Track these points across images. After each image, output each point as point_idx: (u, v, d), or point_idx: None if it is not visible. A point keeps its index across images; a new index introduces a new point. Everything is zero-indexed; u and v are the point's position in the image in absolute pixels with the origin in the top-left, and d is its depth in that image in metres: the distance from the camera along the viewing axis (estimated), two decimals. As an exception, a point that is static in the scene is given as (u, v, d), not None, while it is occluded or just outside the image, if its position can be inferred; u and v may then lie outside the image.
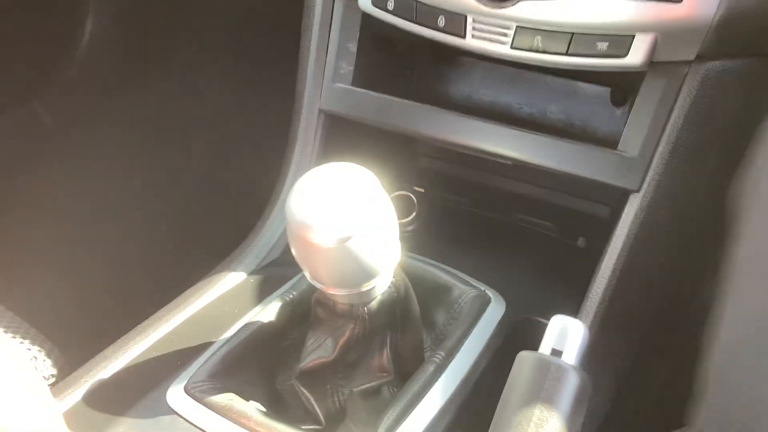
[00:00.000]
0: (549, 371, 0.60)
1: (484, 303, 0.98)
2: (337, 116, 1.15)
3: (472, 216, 1.32)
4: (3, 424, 0.56)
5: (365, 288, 0.78)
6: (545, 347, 0.65)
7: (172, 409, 0.82)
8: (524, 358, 0.64)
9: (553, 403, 0.59)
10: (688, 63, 0.93)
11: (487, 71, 1.28)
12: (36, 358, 1.04)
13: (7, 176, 1.72)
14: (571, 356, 0.63)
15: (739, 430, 0.63)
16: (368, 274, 0.76)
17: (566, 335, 0.64)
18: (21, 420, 0.58)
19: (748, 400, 0.63)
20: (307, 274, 0.79)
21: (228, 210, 1.69)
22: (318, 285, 0.79)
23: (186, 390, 0.83)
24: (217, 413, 0.80)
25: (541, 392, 0.59)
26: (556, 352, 0.64)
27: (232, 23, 1.94)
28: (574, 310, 1.03)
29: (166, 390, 0.84)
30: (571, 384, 0.60)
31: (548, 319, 1.00)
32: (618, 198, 1.01)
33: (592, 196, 1.26)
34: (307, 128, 1.16)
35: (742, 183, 0.79)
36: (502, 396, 0.63)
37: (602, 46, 0.92)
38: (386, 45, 1.18)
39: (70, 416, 0.83)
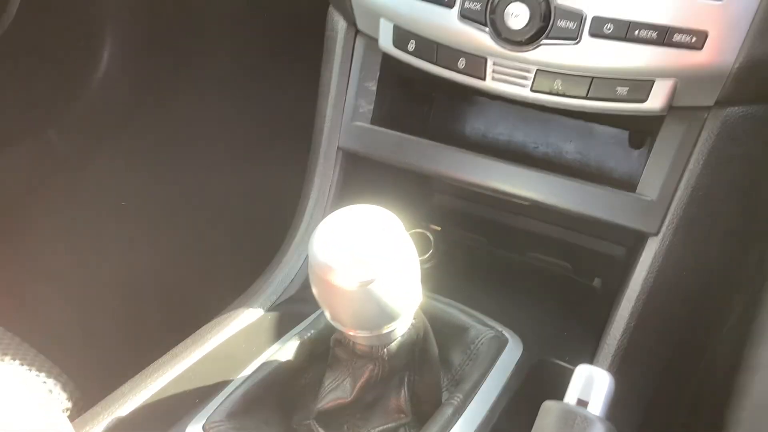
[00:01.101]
0: (575, 422, 0.60)
1: (501, 344, 0.98)
2: (355, 154, 1.16)
3: (487, 254, 1.33)
4: None
5: (386, 330, 0.78)
6: (570, 397, 0.64)
7: None
8: (550, 408, 0.63)
9: (579, 455, 0.58)
10: (707, 108, 0.93)
11: (503, 110, 1.29)
12: (51, 391, 1.05)
13: (21, 204, 1.73)
14: (597, 407, 0.63)
15: None
16: (389, 317, 0.76)
17: (592, 385, 0.64)
18: None
19: None
20: (327, 315, 0.79)
21: (244, 241, 1.69)
22: (338, 326, 0.79)
23: (204, 429, 0.82)
24: None
25: (568, 443, 0.59)
26: (582, 403, 0.63)
27: (248, 50, 1.96)
28: (590, 353, 1.02)
29: (185, 429, 0.84)
30: (597, 435, 0.60)
31: (566, 362, 1.01)
32: (634, 238, 1.01)
33: (608, 236, 1.26)
34: (326, 165, 1.17)
35: None
36: (527, 445, 0.63)
37: (622, 90, 0.93)
38: (405, 84, 1.19)
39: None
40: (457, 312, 1.02)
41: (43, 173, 1.80)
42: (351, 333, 0.79)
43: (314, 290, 0.75)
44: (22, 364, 1.06)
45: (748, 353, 0.74)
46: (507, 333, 1.00)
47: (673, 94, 0.92)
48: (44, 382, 1.05)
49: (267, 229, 1.28)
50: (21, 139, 1.74)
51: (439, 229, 1.25)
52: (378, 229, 0.72)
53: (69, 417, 0.98)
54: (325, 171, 1.17)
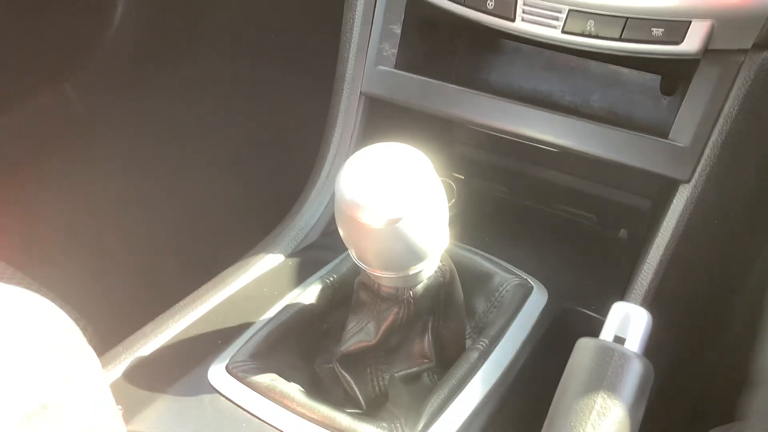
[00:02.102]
0: (612, 358, 0.59)
1: (526, 292, 0.97)
2: (379, 99, 1.14)
3: (511, 205, 1.31)
4: (52, 392, 0.55)
5: (412, 271, 0.76)
6: (607, 334, 0.63)
7: (214, 388, 0.81)
8: (585, 344, 0.62)
9: (616, 391, 0.57)
10: (744, 51, 0.90)
11: (529, 58, 1.26)
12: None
13: (37, 157, 1.73)
14: (634, 344, 0.61)
15: None
16: (417, 257, 0.75)
17: (629, 322, 0.63)
18: (69, 388, 0.58)
19: None
20: (353, 254, 0.77)
21: (265, 188, 1.68)
22: (364, 267, 0.78)
23: (228, 369, 0.82)
24: (260, 393, 0.79)
25: (605, 379, 0.58)
26: (619, 339, 0.62)
27: (262, 14, 1.94)
28: (616, 301, 1.01)
29: (208, 368, 0.83)
30: (634, 372, 0.58)
31: (590, 310, 0.99)
32: (660, 190, 0.99)
33: (633, 188, 1.23)
34: (348, 111, 1.15)
35: None
36: (561, 381, 0.62)
37: (657, 32, 0.90)
38: (430, 28, 1.17)
39: (110, 391, 0.83)
40: (480, 259, 1.00)
41: (60, 125, 1.79)
42: (377, 273, 0.78)
43: (340, 229, 0.74)
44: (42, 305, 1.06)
45: None
46: (531, 281, 0.99)
47: (710, 35, 0.89)
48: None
49: (288, 176, 1.27)
50: (38, 91, 1.74)
51: (462, 177, 1.23)
52: (407, 168, 0.70)
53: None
54: (348, 116, 1.15)
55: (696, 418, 1.03)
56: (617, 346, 0.61)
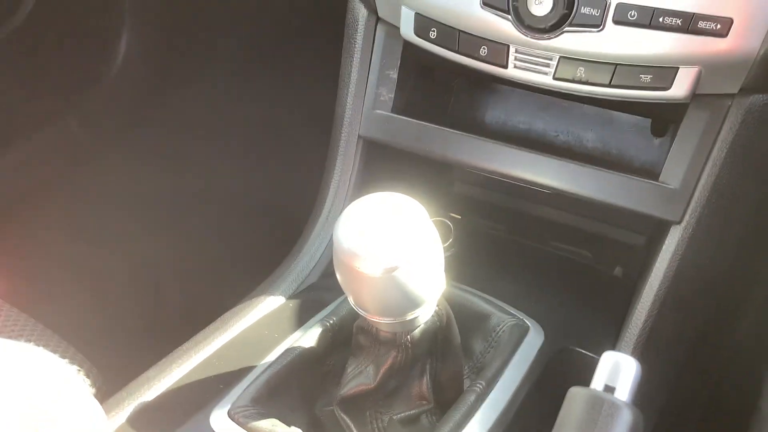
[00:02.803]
0: (602, 408, 0.60)
1: (522, 332, 0.98)
2: (376, 142, 1.16)
3: (507, 243, 1.32)
4: (41, 411, 0.57)
5: (410, 317, 0.78)
6: (597, 383, 0.64)
7: None
8: (576, 393, 0.63)
9: (606, 441, 0.59)
10: (731, 96, 0.93)
11: (524, 99, 1.28)
12: (76, 377, 1.05)
13: (42, 192, 1.74)
14: (624, 393, 0.63)
15: None
16: (413, 303, 0.77)
17: (618, 371, 0.64)
18: (58, 407, 0.59)
19: None
20: (351, 301, 0.79)
21: (265, 231, 1.70)
22: (362, 312, 0.79)
23: (230, 414, 0.83)
24: None
25: (595, 429, 0.59)
26: (609, 389, 0.63)
27: (264, 41, 1.96)
28: (611, 341, 1.02)
29: (210, 414, 0.84)
30: (624, 421, 0.60)
31: (587, 350, 1.01)
32: (655, 227, 1.01)
33: (629, 225, 1.25)
34: (346, 153, 1.17)
35: None
36: (553, 430, 0.63)
37: (646, 78, 0.93)
38: (426, 72, 1.19)
39: (115, 438, 0.84)
40: (477, 300, 1.02)
41: (63, 162, 1.81)
42: (375, 319, 0.79)
43: (338, 276, 0.76)
44: (46, 351, 1.07)
45: None
46: (528, 321, 1.00)
47: (697, 81, 0.91)
48: (68, 368, 1.06)
49: (287, 219, 1.28)
50: (42, 128, 1.76)
51: (459, 217, 1.25)
52: (403, 217, 0.72)
53: (93, 402, 1.00)
54: (346, 159, 1.17)
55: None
56: (607, 395, 0.62)
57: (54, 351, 1.09)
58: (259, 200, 1.87)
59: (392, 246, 0.70)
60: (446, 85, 1.30)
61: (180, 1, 1.87)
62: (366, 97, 1.15)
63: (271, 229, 1.40)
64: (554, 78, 0.98)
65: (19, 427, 0.55)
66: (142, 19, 1.85)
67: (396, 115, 1.14)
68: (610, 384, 0.64)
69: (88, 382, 1.09)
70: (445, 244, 1.21)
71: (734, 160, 0.94)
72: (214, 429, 0.83)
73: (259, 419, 0.82)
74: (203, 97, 2.02)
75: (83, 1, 1.71)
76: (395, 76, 1.14)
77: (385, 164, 1.19)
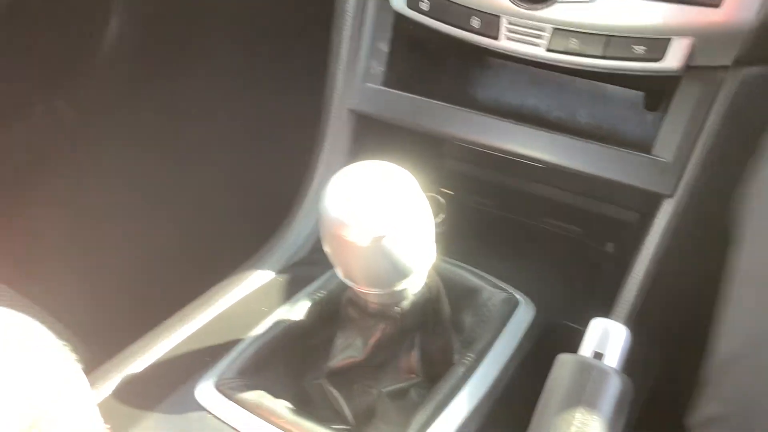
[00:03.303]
0: (591, 374, 0.60)
1: (512, 306, 0.98)
2: (367, 116, 1.15)
3: (499, 219, 1.32)
4: (41, 411, 0.56)
5: (399, 288, 0.77)
6: (586, 350, 0.64)
7: (201, 406, 0.82)
8: (565, 360, 0.63)
9: (595, 407, 0.58)
10: (725, 68, 0.92)
11: (516, 74, 1.27)
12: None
13: (29, 173, 1.73)
14: (613, 359, 0.62)
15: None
16: (402, 274, 0.76)
17: (608, 338, 0.64)
18: (58, 407, 0.58)
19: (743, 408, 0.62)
20: (339, 272, 0.78)
21: (254, 207, 1.68)
22: (351, 284, 0.79)
23: (216, 386, 0.83)
24: (248, 410, 0.80)
25: (583, 395, 0.59)
26: (598, 355, 0.63)
27: (260, 20, 1.95)
28: (603, 315, 1.01)
29: (195, 386, 0.84)
30: (613, 388, 0.59)
31: (576, 323, 1.00)
32: (647, 203, 1.00)
33: (621, 201, 1.24)
34: (337, 127, 1.16)
35: (746, 191, 0.78)
36: (541, 397, 0.62)
37: (639, 49, 0.91)
38: (417, 46, 1.18)
39: (100, 409, 0.83)
40: (468, 274, 1.01)
41: (51, 143, 1.80)
42: (363, 290, 0.79)
43: (326, 247, 0.75)
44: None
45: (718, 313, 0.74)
46: (518, 295, 1.00)
47: (690, 53, 0.90)
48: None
49: (278, 193, 1.27)
50: (30, 109, 1.74)
51: (451, 193, 1.24)
52: (391, 185, 0.71)
53: (81, 377, 0.99)
54: (336, 133, 1.16)
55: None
56: (595, 362, 0.61)
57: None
58: (250, 178, 1.86)
59: (380, 214, 0.69)
60: (439, 60, 1.28)
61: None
62: (357, 70, 1.14)
63: (262, 206, 1.39)
64: (547, 50, 0.96)
65: (1, 392, 0.54)
66: (132, 1, 1.83)
67: (387, 89, 1.13)
68: (599, 351, 0.63)
69: (74, 357, 1.08)
70: (437, 221, 1.21)
71: (728, 132, 0.93)
72: (200, 401, 0.82)
73: (246, 391, 0.81)
74: (193, 79, 2.00)
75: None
76: (386, 48, 1.13)
77: (376, 138, 1.18)
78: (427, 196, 1.21)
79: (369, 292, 0.78)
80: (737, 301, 0.69)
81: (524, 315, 0.97)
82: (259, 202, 1.56)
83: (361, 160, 0.74)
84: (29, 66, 1.70)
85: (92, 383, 0.87)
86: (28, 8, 1.61)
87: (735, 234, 0.77)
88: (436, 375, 0.88)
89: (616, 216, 1.25)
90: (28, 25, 1.64)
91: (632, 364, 0.69)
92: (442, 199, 1.20)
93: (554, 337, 0.98)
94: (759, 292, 0.68)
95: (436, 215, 1.20)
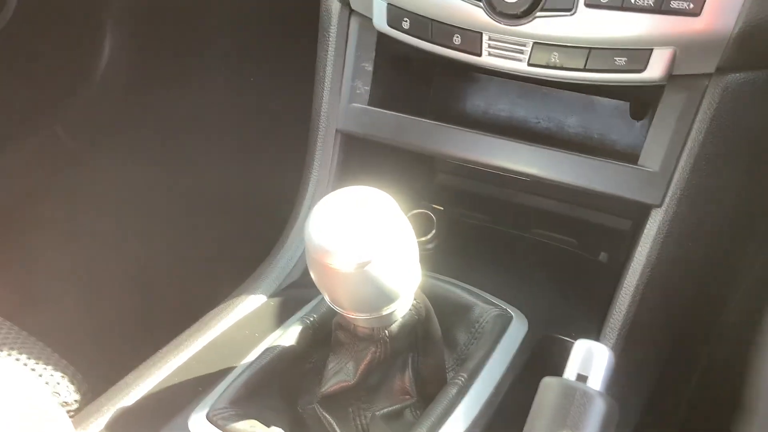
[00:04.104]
0: (574, 398, 0.59)
1: (505, 322, 0.97)
2: (354, 136, 1.15)
3: (491, 232, 1.31)
4: None
5: (386, 312, 0.77)
6: (570, 372, 0.63)
7: None
8: (549, 384, 0.62)
9: (579, 430, 0.58)
10: (708, 76, 0.92)
11: (503, 86, 1.27)
12: (59, 383, 1.04)
13: (29, 200, 1.73)
14: (596, 382, 0.62)
15: None
16: (388, 298, 0.75)
17: (591, 360, 0.63)
18: None
19: None
20: (327, 298, 0.78)
21: (247, 229, 1.69)
22: (338, 309, 0.78)
23: (208, 417, 0.82)
24: None
25: (567, 419, 0.58)
26: (582, 378, 0.62)
27: (247, 37, 1.95)
28: (597, 327, 1.01)
29: (188, 417, 0.84)
30: (597, 410, 0.59)
31: (572, 338, 1.00)
32: (639, 211, 1.00)
33: (613, 209, 1.24)
34: (325, 148, 1.16)
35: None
36: (527, 422, 0.62)
37: (620, 61, 0.91)
38: (402, 64, 1.18)
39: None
40: (460, 291, 1.01)
41: (50, 169, 1.80)
42: (351, 316, 0.78)
43: (312, 274, 0.75)
44: (29, 358, 1.06)
45: (758, 331, 0.72)
46: (511, 310, 0.99)
47: (673, 62, 0.90)
48: (51, 375, 1.04)
49: (270, 217, 1.27)
50: (28, 135, 1.75)
51: (441, 208, 1.24)
52: (373, 210, 0.71)
53: (77, 409, 0.99)
54: (325, 154, 1.16)
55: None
56: (579, 384, 0.61)
57: (37, 359, 1.08)
58: (247, 199, 1.86)
59: (363, 240, 0.69)
60: (425, 77, 1.29)
61: (164, 3, 1.86)
62: (342, 90, 1.14)
63: (259, 228, 1.39)
64: (529, 64, 0.96)
65: None
66: (125, 21, 1.84)
67: (373, 108, 1.13)
68: (583, 373, 0.63)
69: (72, 388, 1.08)
70: (428, 236, 1.21)
71: (713, 140, 0.93)
72: None
73: (238, 420, 0.81)
74: (188, 97, 2.00)
75: (65, 5, 1.70)
76: (371, 68, 1.13)
77: (365, 158, 1.18)
78: (417, 212, 1.22)
79: (356, 317, 0.78)
80: None
81: (517, 331, 0.97)
82: (260, 222, 1.57)
83: (351, 180, 0.74)
84: (25, 92, 1.70)
85: (86, 418, 0.87)
86: (19, 33, 1.62)
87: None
88: (430, 395, 0.87)
89: (609, 224, 1.25)
90: (20, 50, 1.65)
91: (624, 380, 0.69)
92: (432, 215, 1.19)
93: (548, 351, 0.97)
94: None
95: (427, 231, 1.21)
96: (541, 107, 1.23)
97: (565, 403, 0.59)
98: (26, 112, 1.73)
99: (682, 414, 1.12)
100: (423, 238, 1.19)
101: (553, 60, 0.94)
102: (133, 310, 1.58)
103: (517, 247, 1.28)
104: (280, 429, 0.83)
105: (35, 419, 0.59)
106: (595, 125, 1.20)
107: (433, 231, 1.20)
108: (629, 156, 1.00)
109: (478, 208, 1.34)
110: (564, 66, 0.94)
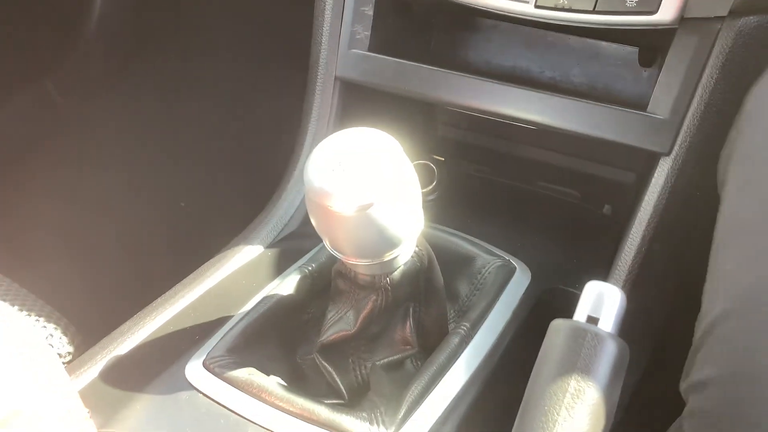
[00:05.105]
0: (585, 339, 0.57)
1: (508, 273, 0.95)
2: (354, 83, 1.12)
3: (493, 185, 1.29)
4: (18, 404, 0.54)
5: (387, 258, 0.75)
6: (580, 314, 0.61)
7: (191, 385, 0.80)
8: (558, 326, 0.60)
9: (590, 373, 0.56)
10: (721, 19, 0.89)
11: (507, 35, 1.24)
12: (52, 335, 1.03)
13: (20, 157, 1.72)
14: (608, 323, 0.60)
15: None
16: (390, 243, 0.73)
17: (602, 301, 0.61)
18: (36, 399, 0.56)
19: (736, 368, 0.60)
20: (326, 244, 0.76)
21: (244, 181, 1.67)
22: (338, 255, 0.76)
23: (205, 365, 0.81)
24: (237, 388, 0.78)
25: (578, 362, 0.56)
26: (592, 320, 0.60)
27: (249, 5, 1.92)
28: (601, 279, 0.99)
29: (185, 365, 0.82)
30: (608, 353, 0.57)
31: (575, 288, 0.98)
32: (644, 163, 0.97)
33: (617, 162, 1.22)
34: (323, 96, 1.13)
35: (730, 150, 0.76)
36: (535, 365, 0.60)
37: (631, 2, 0.88)
38: (403, 8, 1.14)
39: (87, 394, 0.81)
40: (462, 242, 0.99)
41: (42, 124, 1.78)
42: (351, 262, 0.76)
43: (312, 218, 0.72)
44: (21, 309, 1.04)
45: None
46: (514, 261, 0.97)
47: (685, 4, 0.87)
48: (44, 327, 1.03)
49: (267, 167, 1.25)
50: (19, 91, 1.72)
51: (442, 159, 1.21)
52: (376, 152, 0.68)
53: (69, 362, 0.97)
54: (324, 102, 1.13)
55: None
56: (590, 326, 0.59)
57: (29, 310, 1.06)
58: (240, 151, 1.84)
59: (365, 182, 0.66)
60: (426, 23, 1.25)
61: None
62: (341, 35, 1.11)
63: (253, 180, 1.37)
64: (536, 6, 0.93)
65: None
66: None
67: (373, 54, 1.09)
68: (594, 315, 0.61)
69: (65, 339, 1.06)
70: (429, 187, 1.19)
71: (725, 86, 0.90)
72: (189, 380, 0.80)
73: (235, 369, 0.79)
74: (181, 55, 1.98)
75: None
76: (371, 12, 1.09)
77: (365, 106, 1.15)
78: (418, 164, 1.19)
79: (357, 263, 0.76)
80: (722, 260, 0.67)
81: (520, 282, 0.95)
82: (249, 176, 1.55)
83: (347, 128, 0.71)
84: (15, 47, 1.67)
85: (79, 366, 0.86)
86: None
87: (720, 193, 0.75)
88: (431, 346, 0.86)
89: (613, 177, 1.22)
90: (13, 11, 1.62)
91: (631, 328, 0.67)
92: (433, 166, 1.17)
93: (551, 302, 0.96)
94: (743, 246, 0.65)
95: (428, 182, 1.18)
96: (546, 57, 1.20)
97: (576, 346, 0.57)
98: (17, 67, 1.70)
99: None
100: (424, 189, 1.16)
101: (562, 1, 0.91)
102: (128, 264, 1.57)
103: (519, 200, 1.25)
104: (279, 378, 0.81)
105: (29, 367, 0.57)
106: (600, 75, 1.17)
107: (435, 182, 1.18)
108: (635, 105, 0.97)
109: (480, 160, 1.31)
110: (572, 8, 0.91)
